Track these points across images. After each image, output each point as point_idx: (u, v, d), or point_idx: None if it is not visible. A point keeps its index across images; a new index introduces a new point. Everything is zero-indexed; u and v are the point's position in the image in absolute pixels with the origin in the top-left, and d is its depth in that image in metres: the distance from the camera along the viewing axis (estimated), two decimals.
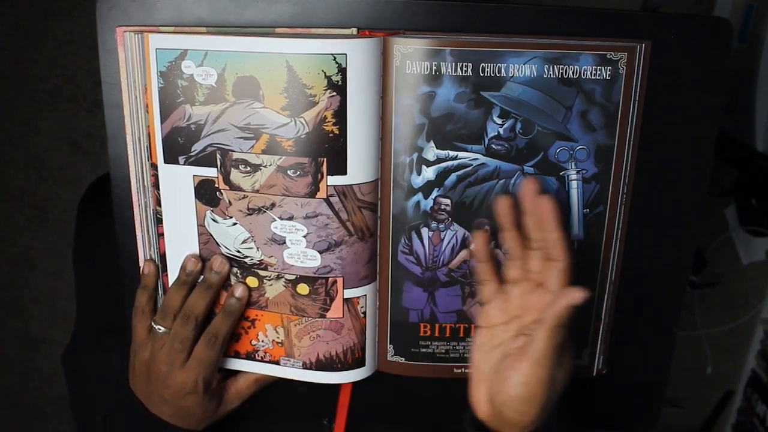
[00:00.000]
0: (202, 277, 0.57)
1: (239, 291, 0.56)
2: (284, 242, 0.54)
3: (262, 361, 0.59)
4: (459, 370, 0.61)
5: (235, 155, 0.52)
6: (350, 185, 0.53)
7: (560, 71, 0.52)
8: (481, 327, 0.55)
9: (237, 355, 0.60)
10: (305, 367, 0.58)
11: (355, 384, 0.60)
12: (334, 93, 0.50)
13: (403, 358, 0.60)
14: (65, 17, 1.35)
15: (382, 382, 0.61)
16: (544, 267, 0.52)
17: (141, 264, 0.59)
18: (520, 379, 0.51)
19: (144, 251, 0.58)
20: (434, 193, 0.55)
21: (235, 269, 0.56)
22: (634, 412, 0.70)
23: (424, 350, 0.60)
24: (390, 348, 0.60)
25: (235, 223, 0.55)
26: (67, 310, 1.55)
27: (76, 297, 0.72)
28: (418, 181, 0.55)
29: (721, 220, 1.36)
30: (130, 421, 0.60)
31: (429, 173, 0.55)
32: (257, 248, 0.55)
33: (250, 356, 0.59)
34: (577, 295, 0.49)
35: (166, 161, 0.54)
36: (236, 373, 0.60)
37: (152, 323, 0.57)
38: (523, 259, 0.53)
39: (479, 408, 0.55)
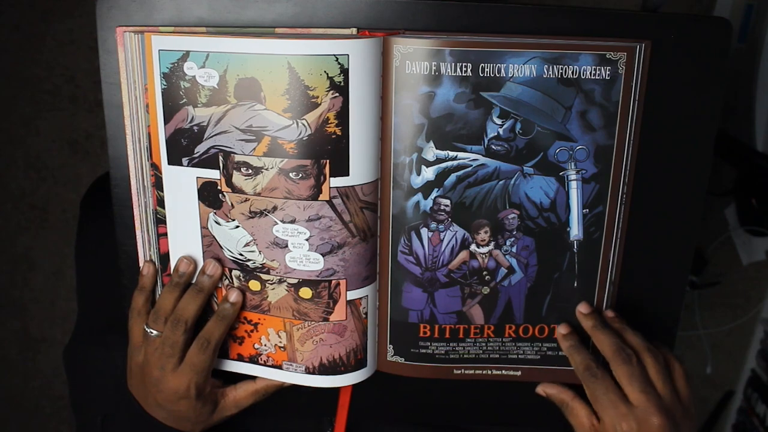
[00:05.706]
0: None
1: (233, 296, 0.56)
2: (286, 246, 0.54)
3: (264, 365, 0.59)
4: (458, 371, 0.61)
5: (237, 158, 0.52)
6: (352, 186, 0.53)
7: (560, 71, 0.52)
8: None
9: (240, 359, 0.60)
10: (308, 371, 0.58)
11: (355, 383, 0.60)
12: (337, 94, 0.50)
13: (403, 359, 0.60)
14: (65, 17, 1.35)
15: (382, 381, 0.61)
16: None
17: (141, 264, 0.58)
18: None
19: (144, 251, 0.58)
20: (434, 194, 0.55)
21: (237, 273, 0.56)
22: None
23: (423, 351, 0.60)
24: (390, 348, 0.60)
25: (237, 226, 0.55)
26: (67, 310, 1.54)
27: (78, 293, 0.72)
28: (417, 181, 0.55)
29: (721, 220, 1.36)
30: (129, 421, 0.60)
31: (428, 173, 0.55)
32: (259, 252, 0.55)
33: (253, 360, 0.59)
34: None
35: (170, 163, 0.54)
36: (236, 380, 0.60)
37: (144, 326, 0.57)
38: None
39: None
